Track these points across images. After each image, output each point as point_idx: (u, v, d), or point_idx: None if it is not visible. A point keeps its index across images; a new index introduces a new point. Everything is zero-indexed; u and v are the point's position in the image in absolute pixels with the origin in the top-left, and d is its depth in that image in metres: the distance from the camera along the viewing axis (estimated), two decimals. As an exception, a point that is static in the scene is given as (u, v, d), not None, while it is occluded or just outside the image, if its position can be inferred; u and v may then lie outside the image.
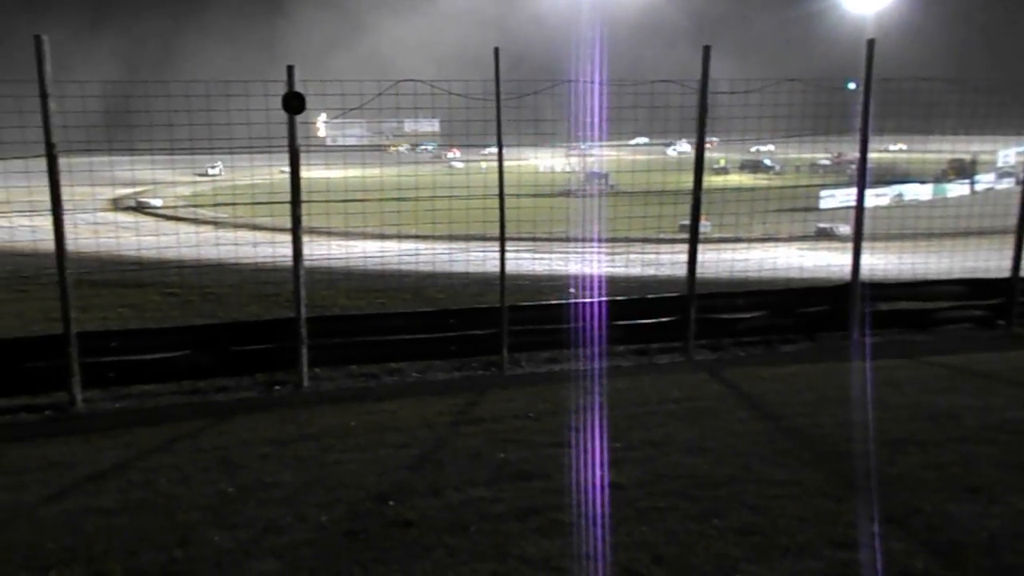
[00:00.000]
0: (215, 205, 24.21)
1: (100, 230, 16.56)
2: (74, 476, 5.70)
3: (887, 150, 46.86)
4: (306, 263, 8.07)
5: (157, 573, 4.27)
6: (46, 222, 7.37)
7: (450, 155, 31.54)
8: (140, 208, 37.19)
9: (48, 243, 7.46)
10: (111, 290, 12.99)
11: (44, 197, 7.23)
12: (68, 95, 7.38)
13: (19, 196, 9.02)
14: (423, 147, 29.72)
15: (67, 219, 7.33)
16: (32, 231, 9.60)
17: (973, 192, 37.08)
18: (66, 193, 7.27)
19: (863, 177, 9.50)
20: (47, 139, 7.06)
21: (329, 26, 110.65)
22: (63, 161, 7.17)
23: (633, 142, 16.43)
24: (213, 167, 51.01)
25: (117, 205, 35.61)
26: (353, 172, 12.49)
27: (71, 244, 7.40)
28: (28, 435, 6.79)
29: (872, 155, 9.41)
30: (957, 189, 38.64)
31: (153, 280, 13.82)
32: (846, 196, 23.50)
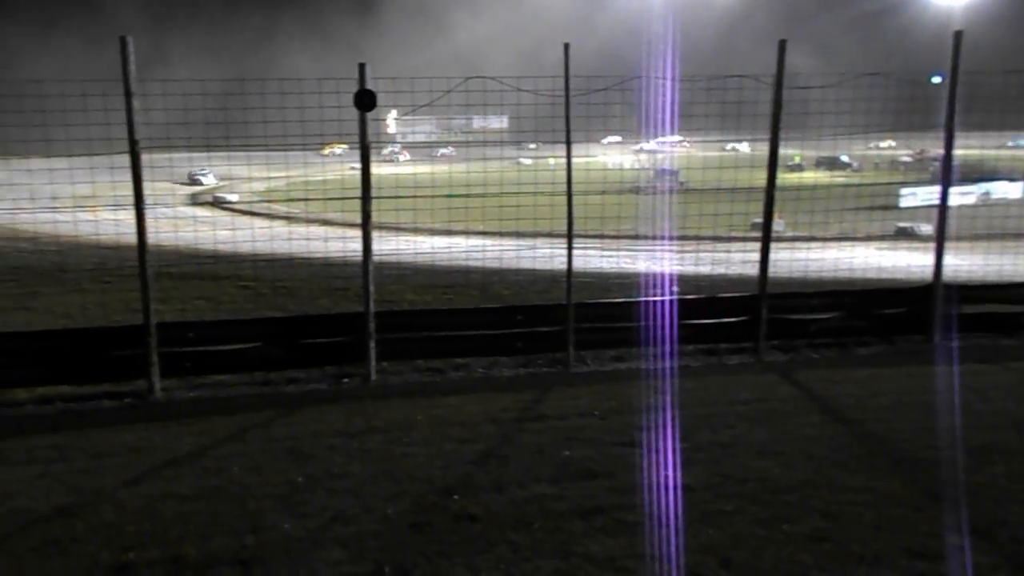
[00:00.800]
0: (288, 200, 24.73)
1: (179, 224, 17.16)
2: (152, 462, 5.90)
3: (876, 146, 44.64)
4: (375, 258, 8.18)
5: (229, 558, 4.39)
6: (129, 216, 7.64)
7: (402, 157, 31.77)
8: (217, 203, 38.21)
9: (130, 236, 7.72)
10: (188, 282, 13.41)
11: (127, 192, 7.49)
12: (150, 93, 7.63)
13: (104, 191, 9.38)
14: (390, 148, 29.79)
15: (148, 214, 7.58)
16: (116, 224, 9.97)
17: (1067, 191, 35.30)
18: (147, 188, 7.53)
19: (947, 174, 9.13)
20: (130, 136, 7.30)
21: (416, 25, 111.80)
22: (145, 157, 7.42)
23: (605, 140, 15.85)
24: (204, 173, 42.62)
25: (195, 200, 36.74)
26: (423, 168, 12.58)
27: (152, 238, 7.64)
28: (109, 421, 7.05)
29: (956, 151, 9.04)
30: (1050, 188, 36.82)
31: (228, 273, 14.20)
32: (928, 194, 22.66)
